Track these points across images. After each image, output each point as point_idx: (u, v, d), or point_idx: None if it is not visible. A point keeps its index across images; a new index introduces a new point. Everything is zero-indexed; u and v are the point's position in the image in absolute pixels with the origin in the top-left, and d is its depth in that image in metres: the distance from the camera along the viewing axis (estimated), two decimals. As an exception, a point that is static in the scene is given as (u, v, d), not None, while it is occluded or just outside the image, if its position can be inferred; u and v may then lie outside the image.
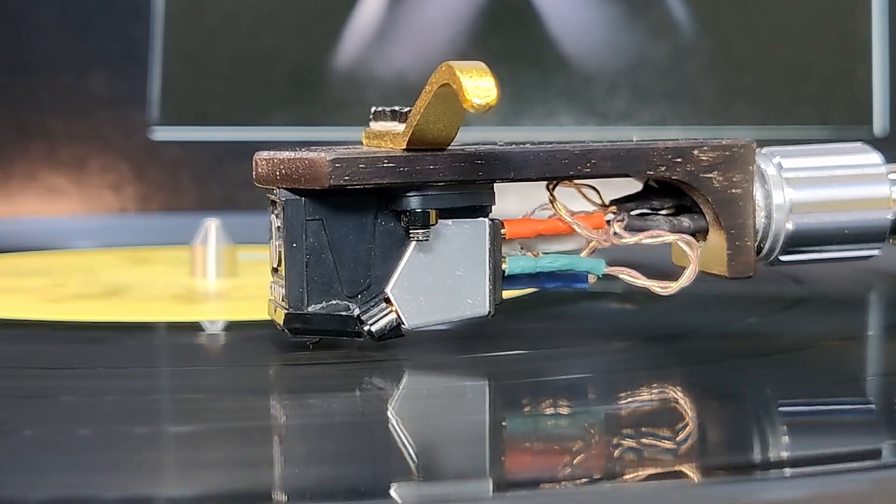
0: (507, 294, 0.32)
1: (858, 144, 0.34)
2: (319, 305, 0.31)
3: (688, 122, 0.63)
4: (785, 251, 0.33)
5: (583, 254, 0.32)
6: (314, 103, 0.64)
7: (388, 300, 0.31)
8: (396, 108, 0.32)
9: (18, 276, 0.47)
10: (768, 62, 0.64)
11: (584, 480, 0.23)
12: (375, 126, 0.33)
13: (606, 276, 0.32)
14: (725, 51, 0.64)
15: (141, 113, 0.64)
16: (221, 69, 0.64)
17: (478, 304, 0.31)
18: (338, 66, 0.63)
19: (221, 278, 0.45)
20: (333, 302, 0.31)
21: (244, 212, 0.55)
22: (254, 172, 0.32)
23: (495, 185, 0.32)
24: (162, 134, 0.64)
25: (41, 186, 0.65)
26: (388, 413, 0.28)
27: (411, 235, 0.31)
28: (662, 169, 0.32)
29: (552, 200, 0.32)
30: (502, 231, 0.32)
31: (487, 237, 0.31)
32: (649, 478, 0.23)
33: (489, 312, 0.32)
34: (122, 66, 0.66)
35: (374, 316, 0.31)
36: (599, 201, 0.33)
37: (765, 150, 0.33)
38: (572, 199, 0.32)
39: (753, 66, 0.64)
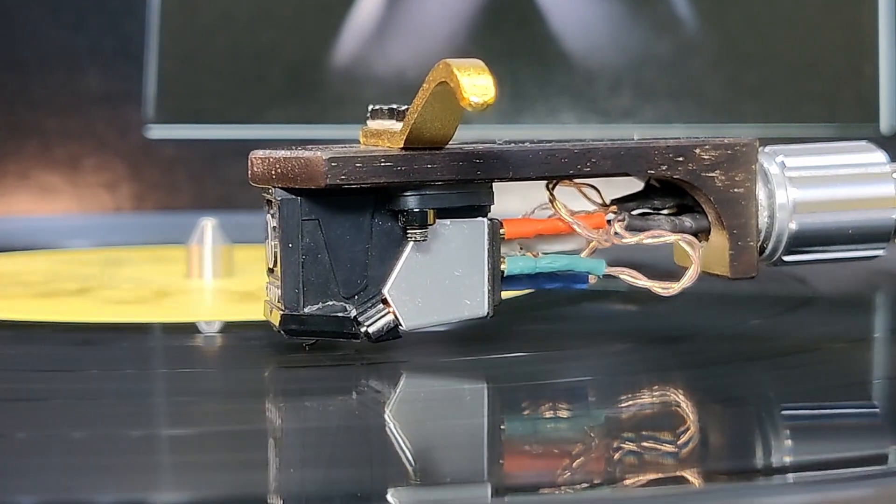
0: (507, 295, 0.32)
1: (863, 143, 0.34)
2: (316, 306, 0.31)
3: (691, 120, 0.63)
4: (788, 251, 0.33)
5: (583, 254, 0.32)
6: (312, 101, 0.64)
7: (385, 301, 0.31)
8: (394, 106, 0.32)
9: (12, 275, 0.47)
10: (773, 59, 0.64)
11: (584, 485, 0.23)
12: (373, 124, 0.33)
13: (607, 277, 0.32)
14: (730, 48, 0.64)
15: (136, 111, 0.64)
16: (218, 66, 0.64)
17: (476, 304, 0.31)
18: (336, 64, 0.63)
19: (218, 278, 0.45)
20: (330, 303, 0.31)
21: (241, 211, 0.54)
22: (249, 171, 0.32)
23: (494, 184, 0.32)
24: (157, 132, 0.64)
25: (35, 185, 0.65)
26: (386, 416, 0.28)
27: (409, 235, 0.31)
28: (664, 168, 0.32)
29: (552, 200, 0.32)
30: (501, 231, 0.31)
31: (486, 237, 0.31)
32: (651, 483, 0.23)
33: (488, 313, 0.31)
34: (117, 63, 0.66)
35: (371, 317, 0.31)
36: (600, 201, 0.33)
37: (768, 148, 0.33)
38: (573, 199, 0.32)
39: (758, 63, 0.64)
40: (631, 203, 0.33)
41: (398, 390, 0.30)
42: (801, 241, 0.33)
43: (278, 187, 0.31)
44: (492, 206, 0.32)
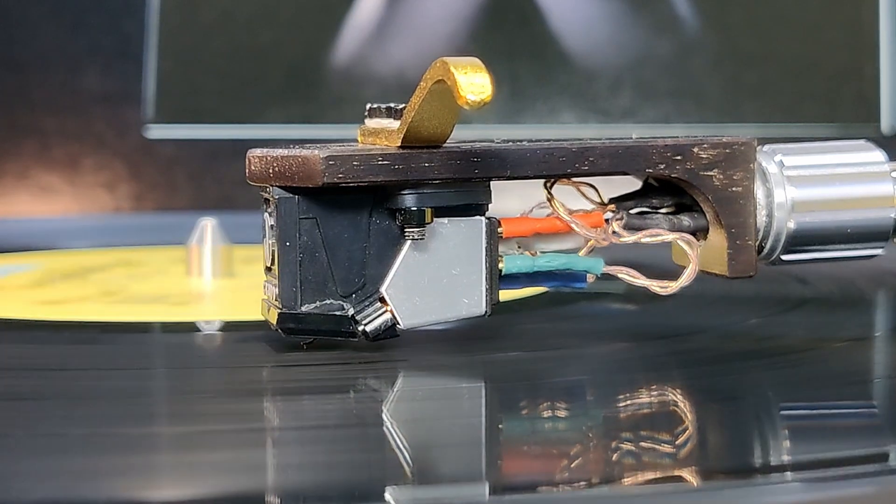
0: (504, 294, 0.32)
1: (862, 142, 0.34)
2: (313, 305, 0.31)
3: (691, 120, 0.63)
4: (787, 250, 0.33)
5: (581, 253, 0.32)
6: (312, 100, 0.64)
7: (382, 300, 0.31)
8: (391, 104, 0.31)
9: (11, 276, 0.47)
10: (774, 59, 0.64)
11: (581, 485, 0.23)
12: (371, 123, 0.32)
13: (605, 276, 0.32)
14: (730, 47, 0.64)
15: (135, 110, 0.64)
16: (217, 66, 0.64)
17: (474, 303, 0.31)
18: (336, 63, 0.63)
19: (217, 278, 0.45)
20: (327, 301, 0.31)
21: (240, 211, 0.55)
22: (247, 170, 0.32)
23: (492, 183, 0.32)
24: (157, 132, 0.64)
25: (34, 185, 0.65)
26: (383, 415, 0.28)
27: (406, 234, 0.31)
28: (662, 167, 0.32)
29: (550, 198, 0.32)
30: (499, 230, 0.31)
31: (484, 236, 0.31)
32: (649, 482, 0.23)
33: (486, 312, 0.31)
34: (116, 62, 0.66)
35: (368, 316, 0.31)
36: (598, 199, 0.32)
37: (766, 147, 0.33)
38: (571, 198, 0.32)
39: (759, 62, 0.64)
40: (629, 202, 0.33)
41: (396, 389, 0.30)
42: (799, 241, 0.32)
43: (276, 186, 0.31)
44: (490, 205, 0.32)
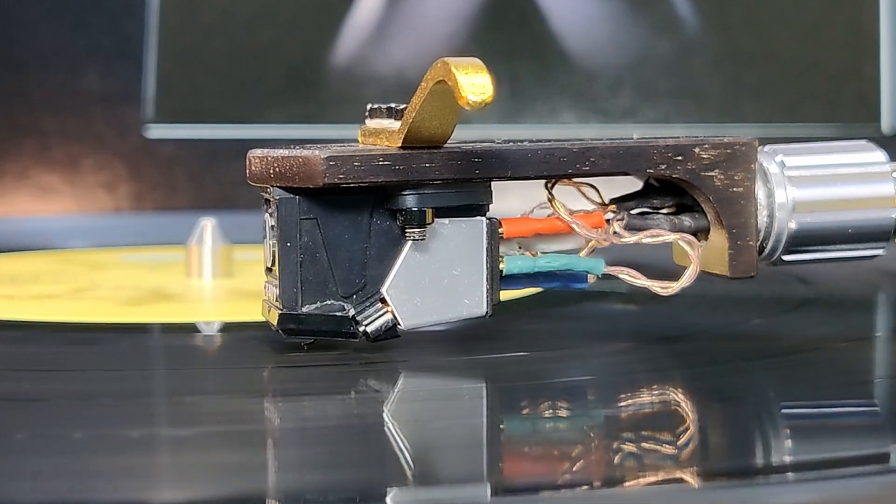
0: (505, 294, 0.32)
1: (863, 142, 0.34)
2: (314, 306, 0.31)
3: (692, 120, 0.63)
4: (788, 251, 0.33)
5: (582, 253, 0.32)
6: (312, 100, 0.64)
7: (383, 300, 0.31)
8: (392, 105, 0.31)
9: (11, 276, 0.47)
10: (775, 59, 0.64)
11: (583, 486, 0.23)
12: (371, 123, 0.32)
13: (606, 276, 0.32)
14: (731, 47, 0.64)
15: (135, 110, 0.64)
16: (217, 66, 0.64)
17: (475, 304, 0.31)
18: (336, 63, 0.63)
19: (217, 279, 0.45)
20: (328, 302, 0.31)
21: (241, 211, 0.54)
22: (248, 170, 0.32)
23: (493, 183, 0.32)
24: (156, 132, 0.64)
25: (34, 185, 0.65)
26: (384, 416, 0.28)
27: (407, 235, 0.31)
28: (663, 167, 0.32)
29: (551, 199, 0.32)
30: (500, 230, 0.31)
31: (484, 236, 0.31)
32: (651, 483, 0.23)
33: (486, 313, 0.31)
34: (116, 62, 0.66)
35: (369, 316, 0.31)
36: (599, 200, 0.32)
37: (767, 147, 0.33)
38: (572, 198, 0.32)
39: (759, 62, 0.64)
40: (630, 202, 0.33)
41: (397, 390, 0.30)
42: (800, 241, 0.32)
43: (276, 186, 0.31)
44: (490, 206, 0.32)
